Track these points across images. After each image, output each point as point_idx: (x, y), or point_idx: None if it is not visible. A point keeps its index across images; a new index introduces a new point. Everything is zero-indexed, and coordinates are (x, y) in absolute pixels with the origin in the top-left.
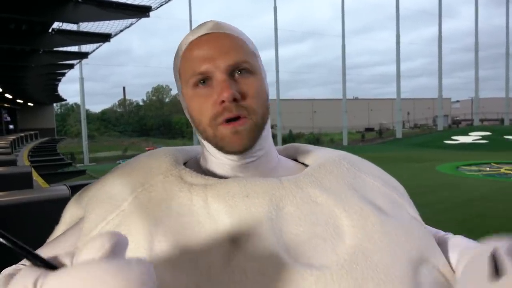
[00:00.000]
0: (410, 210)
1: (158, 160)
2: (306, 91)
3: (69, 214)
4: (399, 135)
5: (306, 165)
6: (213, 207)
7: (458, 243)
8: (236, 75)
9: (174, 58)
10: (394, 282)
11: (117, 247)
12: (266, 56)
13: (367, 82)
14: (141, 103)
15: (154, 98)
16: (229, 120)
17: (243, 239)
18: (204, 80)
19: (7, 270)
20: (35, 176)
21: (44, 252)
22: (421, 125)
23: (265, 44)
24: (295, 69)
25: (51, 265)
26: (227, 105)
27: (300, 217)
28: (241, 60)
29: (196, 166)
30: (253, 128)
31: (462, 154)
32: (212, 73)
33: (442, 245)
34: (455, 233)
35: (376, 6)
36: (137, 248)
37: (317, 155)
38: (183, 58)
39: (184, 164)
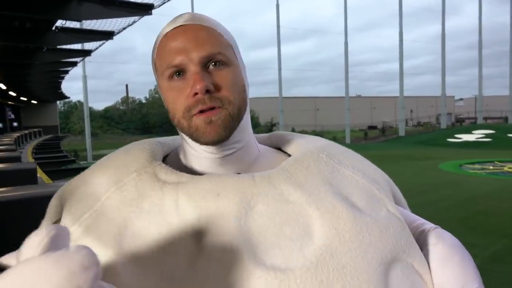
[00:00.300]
0: (388, 205)
1: (134, 156)
2: (309, 88)
3: (52, 211)
4: (402, 133)
5: (289, 155)
6: (182, 207)
7: (439, 252)
8: (211, 67)
9: (152, 51)
10: (362, 285)
11: (56, 239)
12: (268, 54)
13: (370, 80)
14: (143, 101)
15: (157, 95)
16: (202, 111)
17: (209, 240)
18: (179, 72)
19: None
20: (39, 173)
21: None
22: (424, 123)
23: (267, 41)
24: (298, 66)
25: None
26: (200, 97)
27: (270, 217)
28: (216, 52)
29: (176, 159)
30: (228, 118)
31: (466, 152)
32: (186, 65)
33: (424, 241)
34: (457, 231)
35: (379, 3)
36: (105, 249)
37: (299, 145)
38: (158, 50)
39: (166, 157)
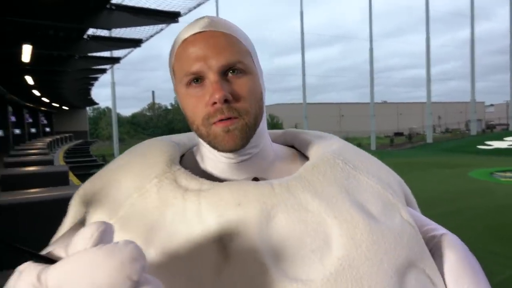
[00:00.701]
0: (402, 211)
1: (153, 160)
2: (334, 95)
3: (74, 210)
4: (429, 139)
5: (302, 153)
6: (205, 216)
7: (451, 262)
8: (230, 74)
9: (169, 55)
10: None
11: (105, 234)
12: (293, 60)
13: (397, 86)
14: (169, 107)
15: None
16: (221, 120)
17: (233, 251)
18: (197, 79)
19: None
20: (70, 176)
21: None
22: (453, 130)
23: (292, 48)
24: (323, 73)
25: (49, 260)
26: (219, 106)
27: (290, 227)
28: (235, 60)
29: (193, 161)
30: (244, 128)
31: (497, 159)
32: (205, 73)
33: (436, 249)
34: (486, 241)
35: (407, 8)
36: None
37: (315, 147)
38: (177, 56)
39: (182, 157)
